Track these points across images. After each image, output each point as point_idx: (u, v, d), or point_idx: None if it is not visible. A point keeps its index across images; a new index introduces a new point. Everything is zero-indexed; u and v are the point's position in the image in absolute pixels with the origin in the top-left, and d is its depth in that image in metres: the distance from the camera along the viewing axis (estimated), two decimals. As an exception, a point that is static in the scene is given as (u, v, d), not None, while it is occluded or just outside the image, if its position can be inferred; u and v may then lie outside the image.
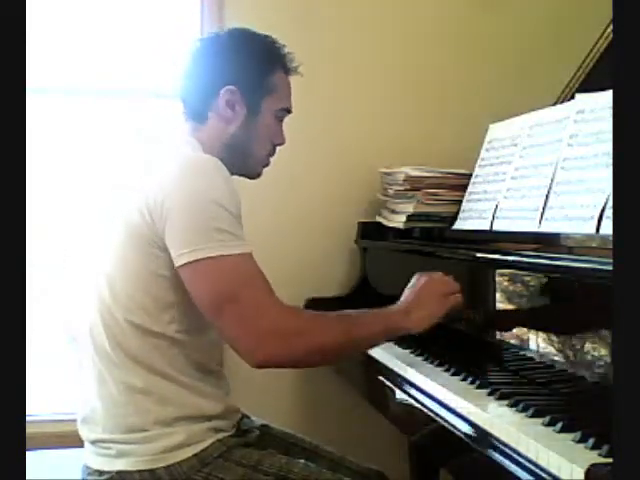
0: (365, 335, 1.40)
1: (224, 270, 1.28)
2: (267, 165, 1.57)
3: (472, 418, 1.19)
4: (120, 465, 1.35)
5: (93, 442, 1.40)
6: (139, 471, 1.33)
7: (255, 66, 1.49)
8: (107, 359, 1.37)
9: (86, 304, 1.43)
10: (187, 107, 1.51)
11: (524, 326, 1.41)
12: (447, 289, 1.46)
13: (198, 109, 1.49)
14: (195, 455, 1.35)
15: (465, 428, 1.18)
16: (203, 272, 1.28)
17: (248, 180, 1.58)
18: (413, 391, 1.41)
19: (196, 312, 1.33)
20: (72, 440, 1.47)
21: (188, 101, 1.51)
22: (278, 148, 1.58)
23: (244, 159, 1.51)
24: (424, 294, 1.45)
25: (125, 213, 1.36)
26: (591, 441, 0.98)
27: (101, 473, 1.37)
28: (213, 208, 1.28)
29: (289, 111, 1.57)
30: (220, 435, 1.40)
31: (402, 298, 1.46)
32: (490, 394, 1.26)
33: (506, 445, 1.07)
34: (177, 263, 1.29)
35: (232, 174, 1.42)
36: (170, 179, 1.32)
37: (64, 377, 2.31)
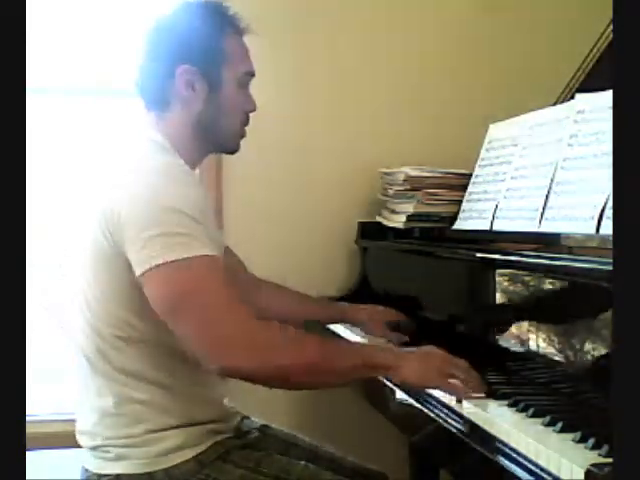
0: (344, 366, 1.28)
1: (176, 275, 1.23)
2: (243, 136, 1.51)
3: (472, 418, 1.18)
4: (119, 468, 1.34)
5: (92, 448, 1.40)
6: (138, 474, 1.33)
7: (204, 37, 1.42)
8: (101, 374, 1.36)
9: (75, 319, 1.42)
10: (146, 97, 1.45)
11: (524, 326, 1.41)
12: (455, 370, 1.28)
13: (158, 96, 1.43)
14: (194, 457, 1.34)
15: (465, 428, 1.18)
16: (157, 278, 1.23)
17: (248, 180, 1.58)
18: (413, 391, 1.40)
19: None
20: (72, 440, 1.46)
21: (147, 90, 1.45)
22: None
23: (217, 136, 1.46)
24: (430, 357, 1.31)
25: (90, 229, 1.32)
26: (591, 441, 0.98)
27: (100, 476, 1.36)
28: (167, 215, 1.24)
29: (252, 74, 1.50)
30: (219, 437, 1.39)
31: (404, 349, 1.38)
32: (490, 394, 1.26)
33: (506, 445, 1.07)
34: (136, 273, 1.25)
35: (209, 153, 1.39)
36: (128, 191, 1.28)
37: (65, 376, 2.31)
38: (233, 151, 1.52)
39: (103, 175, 1.41)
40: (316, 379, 1.30)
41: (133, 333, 1.33)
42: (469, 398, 1.24)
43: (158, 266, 1.22)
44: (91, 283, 1.35)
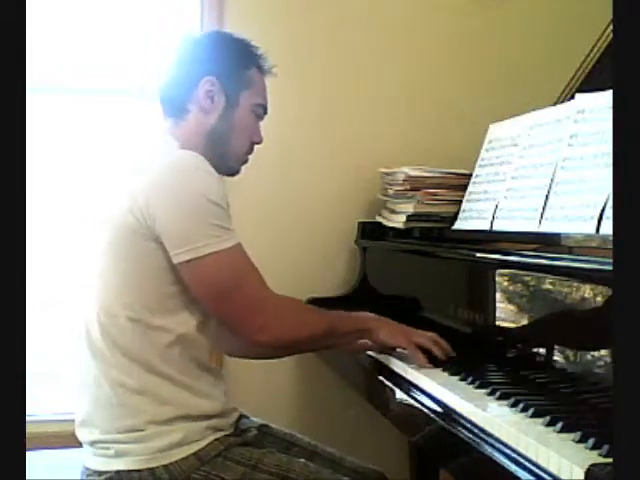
0: (343, 331, 1.51)
1: (222, 264, 1.35)
2: (245, 162, 1.60)
3: (472, 418, 1.18)
4: (119, 465, 1.35)
5: (92, 443, 1.40)
6: (138, 470, 1.34)
7: (233, 60, 1.54)
8: (103, 360, 1.38)
9: (82, 307, 1.44)
10: (166, 103, 1.53)
11: (524, 326, 1.41)
12: (422, 340, 1.50)
13: (177, 102, 1.51)
14: (194, 454, 1.35)
15: (465, 428, 1.18)
16: (202, 268, 1.34)
17: (248, 180, 1.58)
18: (413, 391, 1.41)
19: (196, 305, 1.38)
20: (72, 440, 1.47)
21: (168, 96, 1.53)
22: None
23: (223, 154, 1.53)
24: (403, 326, 1.55)
25: (116, 214, 1.37)
26: (591, 441, 0.98)
27: (100, 474, 1.37)
28: (203, 204, 1.33)
29: (265, 109, 1.60)
30: (219, 434, 1.40)
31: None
32: (490, 394, 1.26)
33: (506, 445, 1.07)
34: (175, 260, 1.33)
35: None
36: (156, 177, 1.36)
37: (64, 377, 2.31)
38: (233, 173, 1.61)
39: (123, 169, 1.49)
40: (327, 342, 1.53)
41: (148, 315, 1.36)
42: (424, 366, 1.45)
43: (202, 257, 1.32)
44: (111, 264, 1.39)
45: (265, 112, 1.60)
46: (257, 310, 1.38)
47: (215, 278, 1.35)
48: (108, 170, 1.53)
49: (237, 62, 1.54)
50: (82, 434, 1.43)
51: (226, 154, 1.54)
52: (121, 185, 1.41)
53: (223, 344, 1.57)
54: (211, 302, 1.38)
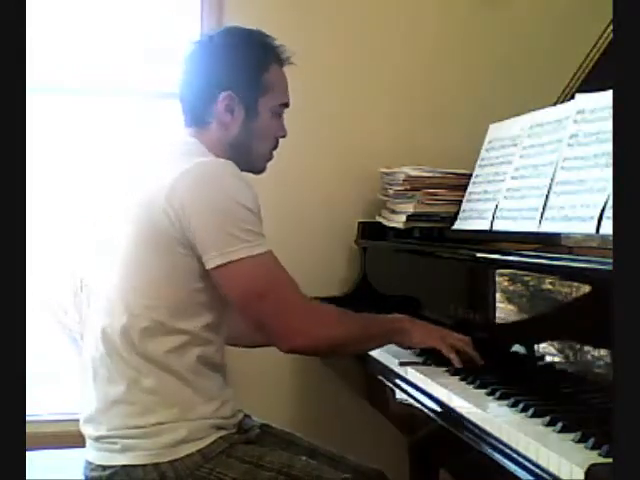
0: (377, 333, 1.50)
1: (258, 268, 1.36)
2: (270, 159, 1.61)
3: (472, 418, 1.18)
4: (124, 460, 1.36)
5: (97, 439, 1.40)
6: (143, 465, 1.34)
7: (250, 67, 1.52)
8: (119, 358, 1.38)
9: (97, 308, 1.45)
10: (187, 113, 1.54)
11: (524, 326, 1.41)
12: (455, 341, 1.49)
13: (198, 115, 1.52)
14: (199, 451, 1.36)
15: (465, 428, 1.18)
16: (236, 273, 1.35)
17: (248, 180, 1.58)
18: (413, 391, 1.41)
19: (219, 308, 1.41)
20: (72, 440, 1.47)
21: (188, 107, 1.53)
22: (281, 140, 1.60)
23: (248, 157, 1.54)
24: (436, 327, 1.55)
25: (146, 214, 1.37)
26: (591, 441, 0.98)
27: (104, 468, 1.38)
28: (237, 209, 1.35)
29: (287, 105, 1.60)
30: (222, 432, 1.41)
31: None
32: (490, 394, 1.26)
33: (506, 445, 1.07)
34: (208, 265, 1.34)
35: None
36: (191, 183, 1.36)
37: (64, 377, 2.31)
38: (259, 172, 1.61)
39: (141, 170, 1.50)
40: (362, 344, 1.54)
41: (170, 318, 1.37)
42: (459, 367, 1.43)
43: (235, 262, 1.33)
44: (137, 269, 1.39)
45: (287, 106, 1.60)
46: (293, 313, 1.39)
47: (252, 281, 1.36)
48: (110, 170, 1.53)
49: (254, 68, 1.52)
50: (87, 430, 1.43)
51: (250, 157, 1.55)
52: (150, 183, 1.40)
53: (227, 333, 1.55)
54: (246, 306, 1.38)
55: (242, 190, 1.37)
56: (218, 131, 1.51)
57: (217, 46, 1.54)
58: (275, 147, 1.60)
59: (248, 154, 1.54)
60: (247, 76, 1.51)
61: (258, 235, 1.37)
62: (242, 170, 1.46)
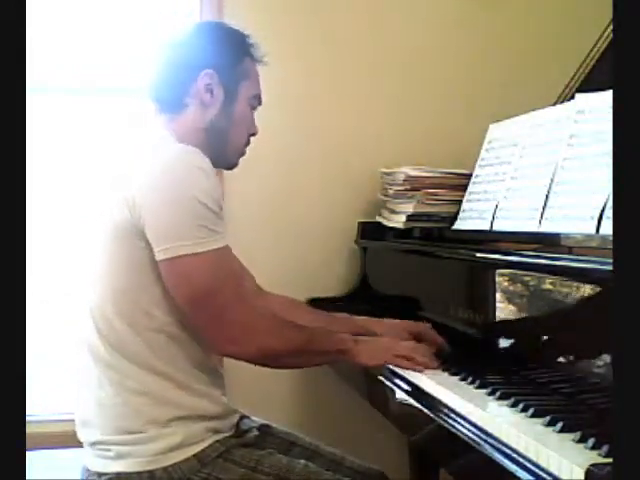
0: (319, 350, 1.46)
1: (198, 268, 1.31)
2: (243, 155, 1.59)
3: (472, 418, 1.18)
4: (119, 467, 1.35)
5: (92, 444, 1.40)
6: (138, 472, 1.33)
7: (229, 51, 1.52)
8: (103, 362, 1.38)
9: (81, 308, 1.43)
10: (160, 99, 1.50)
11: (524, 326, 1.41)
12: (401, 350, 1.48)
13: (174, 97, 1.49)
14: (194, 456, 1.35)
15: (465, 428, 1.18)
16: (180, 269, 1.31)
17: (248, 180, 1.58)
18: (413, 391, 1.41)
19: None
20: (72, 440, 1.46)
21: (162, 92, 1.50)
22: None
23: (222, 147, 1.52)
24: (379, 339, 1.55)
25: (108, 212, 1.36)
26: (591, 441, 0.98)
27: (100, 475, 1.37)
28: (192, 204, 1.30)
29: (260, 100, 1.59)
30: (219, 436, 1.40)
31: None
32: (490, 394, 1.26)
33: (506, 445, 1.07)
34: (157, 258, 1.31)
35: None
36: (150, 173, 1.34)
37: (64, 377, 2.31)
38: (232, 166, 1.59)
39: (120, 166, 1.46)
40: (299, 361, 1.48)
41: (141, 317, 1.35)
42: (411, 369, 1.43)
43: (182, 257, 1.29)
44: (104, 263, 1.38)
45: (260, 103, 1.59)
46: (227, 321, 1.33)
47: (189, 281, 1.31)
48: (107, 170, 1.52)
49: (234, 53, 1.52)
50: (82, 434, 1.43)
51: (225, 148, 1.52)
52: (118, 183, 1.39)
53: None
54: (184, 305, 1.34)
55: (200, 182, 1.32)
56: (194, 114, 1.48)
57: (197, 32, 1.55)
58: (248, 144, 1.58)
59: (224, 142, 1.51)
60: (228, 59, 1.51)
61: (210, 232, 1.31)
62: (214, 165, 1.43)
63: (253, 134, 1.59)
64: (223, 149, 1.52)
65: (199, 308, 1.33)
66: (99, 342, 1.38)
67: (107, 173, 1.51)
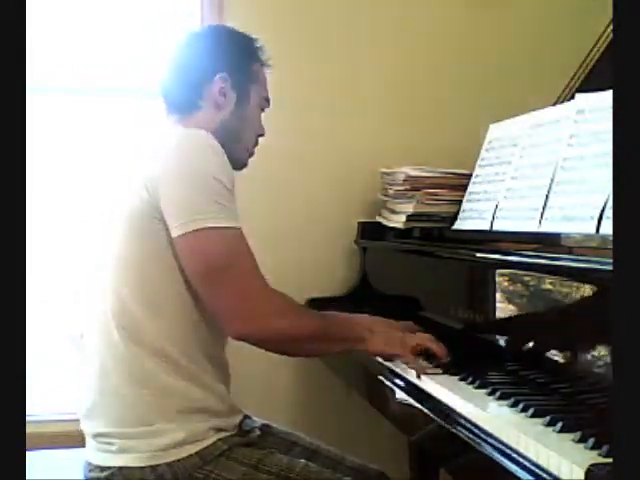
0: (339, 337, 1.45)
1: (217, 241, 1.31)
2: (252, 155, 1.62)
3: (472, 418, 1.18)
4: (122, 461, 1.35)
5: (95, 436, 1.40)
6: (140, 467, 1.34)
7: (240, 55, 1.56)
8: (114, 348, 1.38)
9: (94, 297, 1.44)
10: (173, 100, 1.54)
11: (524, 326, 1.41)
12: (418, 341, 1.48)
13: (187, 99, 1.52)
14: (197, 453, 1.35)
15: (465, 428, 1.18)
16: (196, 242, 1.30)
17: (248, 180, 1.59)
18: (413, 391, 1.41)
19: None
20: (72, 440, 1.47)
21: (175, 94, 1.53)
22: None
23: (235, 145, 1.53)
24: (394, 329, 1.53)
25: (127, 198, 1.38)
26: (591, 441, 0.98)
27: (102, 469, 1.37)
28: (209, 181, 1.32)
29: (269, 102, 1.63)
30: (222, 434, 1.40)
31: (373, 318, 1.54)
32: (490, 394, 1.26)
33: (506, 445, 1.07)
34: (173, 234, 1.31)
35: None
36: (165, 155, 1.35)
37: (64, 377, 2.31)
38: (241, 167, 1.60)
39: (135, 155, 1.49)
40: (315, 347, 1.45)
41: (160, 300, 1.36)
42: (425, 374, 1.37)
43: (198, 231, 1.29)
44: (125, 249, 1.38)
45: (268, 104, 1.64)
46: (243, 298, 1.32)
47: (204, 255, 1.30)
48: (108, 169, 1.53)
49: (245, 57, 1.56)
50: (86, 426, 1.44)
51: (235, 147, 1.53)
52: (135, 169, 1.41)
53: None
54: (198, 281, 1.33)
55: (214, 160, 1.34)
56: (206, 115, 1.51)
57: (209, 35, 1.61)
58: (256, 144, 1.62)
59: (236, 140, 1.54)
60: (239, 62, 1.55)
61: (226, 209, 1.31)
62: None
63: (261, 135, 1.63)
64: (235, 148, 1.53)
65: (214, 284, 1.31)
66: (112, 325, 1.38)
67: (122, 163, 1.53)
